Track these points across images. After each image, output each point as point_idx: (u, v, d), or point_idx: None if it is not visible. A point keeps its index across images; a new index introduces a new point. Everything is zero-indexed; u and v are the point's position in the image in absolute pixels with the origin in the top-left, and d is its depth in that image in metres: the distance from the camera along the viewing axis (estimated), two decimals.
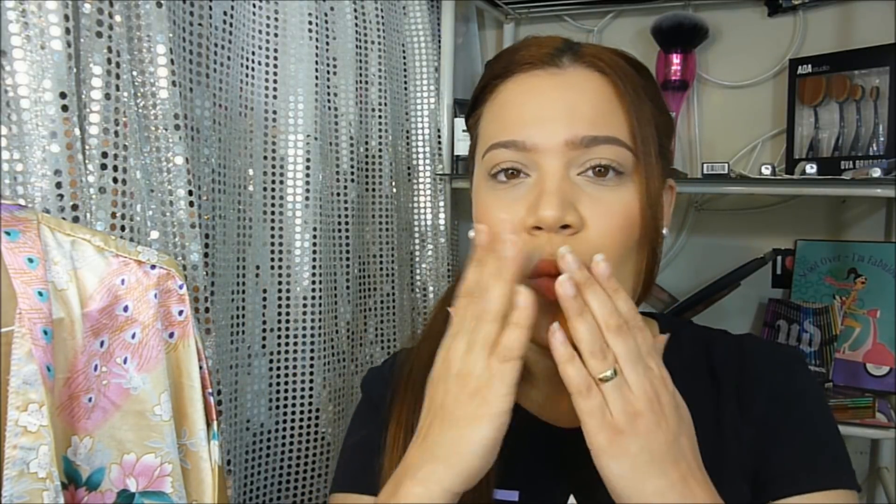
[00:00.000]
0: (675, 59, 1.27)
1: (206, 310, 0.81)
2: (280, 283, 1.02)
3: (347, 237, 1.11)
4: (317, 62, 1.04)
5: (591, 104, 0.58)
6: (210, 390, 0.69)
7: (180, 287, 0.67)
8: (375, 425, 0.67)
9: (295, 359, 1.03)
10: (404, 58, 1.28)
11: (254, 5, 0.99)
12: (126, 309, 0.64)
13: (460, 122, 1.27)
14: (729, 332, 0.72)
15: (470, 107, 0.67)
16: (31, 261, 0.58)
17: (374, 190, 1.20)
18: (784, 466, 0.61)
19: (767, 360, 0.65)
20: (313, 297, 1.03)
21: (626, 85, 0.59)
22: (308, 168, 1.02)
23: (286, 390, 1.02)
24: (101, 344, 0.62)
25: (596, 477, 0.61)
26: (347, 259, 1.11)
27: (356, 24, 1.14)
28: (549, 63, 0.60)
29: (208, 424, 0.68)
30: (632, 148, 0.58)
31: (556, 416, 0.65)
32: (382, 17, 1.19)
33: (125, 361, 0.63)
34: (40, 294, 0.57)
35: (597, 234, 0.56)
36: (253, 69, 0.99)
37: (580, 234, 0.56)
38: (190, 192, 0.79)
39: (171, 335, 0.67)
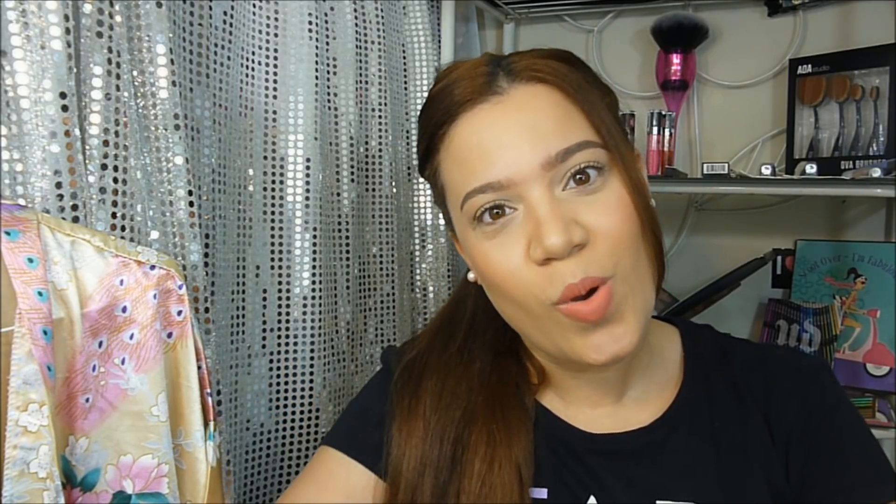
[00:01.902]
0: (675, 59, 1.27)
1: (206, 310, 0.81)
2: (280, 283, 1.02)
3: (347, 237, 1.11)
4: (317, 62, 1.03)
5: (548, 118, 0.56)
6: (209, 391, 0.69)
7: (180, 287, 0.67)
8: (385, 397, 0.68)
9: (295, 359, 1.02)
10: (404, 58, 1.28)
11: (254, 5, 0.99)
12: (125, 310, 0.64)
13: None
14: (750, 341, 0.72)
15: (422, 159, 0.65)
16: (31, 261, 0.58)
17: (374, 190, 1.20)
18: (837, 484, 0.60)
19: (794, 374, 0.65)
20: (313, 297, 1.03)
21: (570, 85, 0.58)
22: (308, 168, 1.02)
23: (286, 390, 1.02)
24: (100, 344, 0.62)
25: (617, 480, 0.62)
26: (347, 259, 1.11)
27: (356, 24, 1.14)
28: (488, 92, 0.58)
29: (206, 425, 0.68)
30: (601, 143, 0.57)
31: (583, 422, 0.65)
32: (382, 17, 1.19)
33: (123, 362, 0.63)
34: (40, 294, 0.58)
35: (607, 238, 0.55)
36: (253, 69, 0.99)
37: (591, 245, 0.55)
38: (190, 192, 0.79)
39: (170, 335, 0.67)
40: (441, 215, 1.26)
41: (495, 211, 0.57)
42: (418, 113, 0.62)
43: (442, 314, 0.73)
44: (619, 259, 0.56)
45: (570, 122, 0.57)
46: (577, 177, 0.56)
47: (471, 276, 0.65)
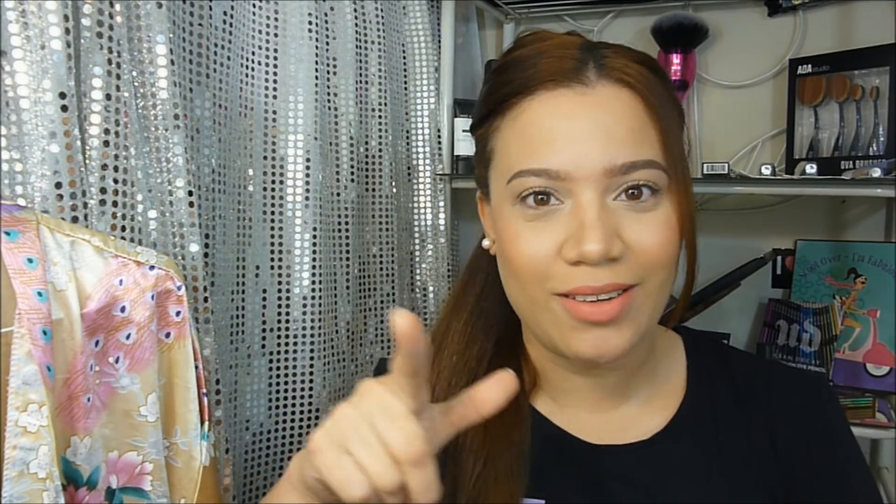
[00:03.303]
0: (675, 59, 1.27)
1: (206, 310, 0.81)
2: (280, 283, 1.02)
3: (347, 237, 1.11)
4: (317, 62, 1.03)
5: (625, 126, 0.55)
6: (204, 390, 0.69)
7: (179, 288, 0.67)
8: None
9: (295, 359, 1.03)
10: (404, 58, 1.28)
11: (254, 5, 0.99)
12: (123, 310, 0.64)
13: (460, 123, 1.27)
14: (752, 354, 0.72)
15: (481, 115, 0.62)
16: (30, 261, 0.58)
17: (374, 190, 1.20)
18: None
19: (797, 394, 0.65)
20: (313, 297, 1.03)
21: (656, 99, 0.56)
22: (308, 168, 1.02)
23: (286, 390, 1.02)
24: (97, 344, 0.62)
25: (617, 491, 0.62)
26: (347, 259, 1.11)
27: (356, 24, 1.14)
28: (574, 80, 0.56)
29: (201, 424, 0.68)
30: (665, 166, 0.56)
31: (584, 432, 0.64)
32: (382, 17, 1.19)
33: (117, 361, 0.63)
34: (40, 294, 0.57)
35: (643, 255, 0.55)
36: (253, 69, 0.99)
37: (624, 259, 0.54)
38: (190, 192, 0.79)
39: (168, 335, 0.67)
40: (442, 215, 1.27)
41: (541, 197, 0.56)
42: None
43: (451, 300, 0.71)
44: (650, 273, 0.55)
45: (644, 137, 0.55)
46: (631, 191, 0.55)
47: (485, 243, 0.64)
